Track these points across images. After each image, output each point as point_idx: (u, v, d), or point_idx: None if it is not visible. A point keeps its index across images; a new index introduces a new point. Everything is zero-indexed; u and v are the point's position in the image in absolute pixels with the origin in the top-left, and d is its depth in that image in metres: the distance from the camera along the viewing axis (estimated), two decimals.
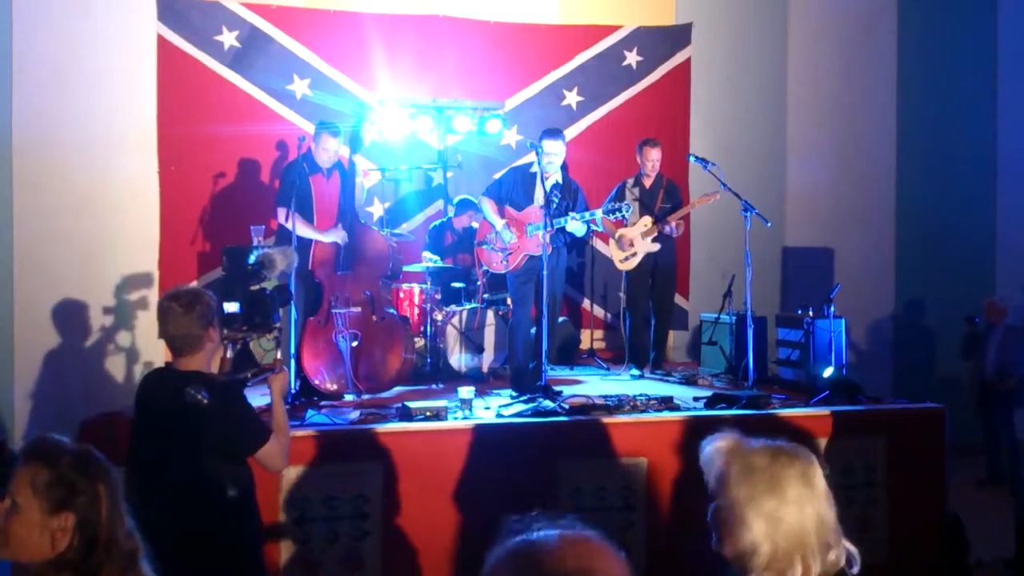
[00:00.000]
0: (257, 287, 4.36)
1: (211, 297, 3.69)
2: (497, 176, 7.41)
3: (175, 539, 3.35)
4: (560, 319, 7.78)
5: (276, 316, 4.50)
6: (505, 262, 6.82)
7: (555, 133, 6.78)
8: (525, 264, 6.74)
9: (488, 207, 6.93)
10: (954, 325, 9.06)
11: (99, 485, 2.27)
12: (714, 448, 2.30)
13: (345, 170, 6.84)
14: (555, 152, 6.66)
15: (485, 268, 7.24)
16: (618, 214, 6.73)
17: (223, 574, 3.57)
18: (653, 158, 7.66)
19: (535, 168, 6.73)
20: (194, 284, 7.84)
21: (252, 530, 3.81)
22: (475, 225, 7.80)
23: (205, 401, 3.40)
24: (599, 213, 6.70)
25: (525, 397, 6.07)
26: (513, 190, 6.89)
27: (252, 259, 4.51)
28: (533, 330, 6.79)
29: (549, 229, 6.39)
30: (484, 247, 7.00)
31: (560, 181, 6.79)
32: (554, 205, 6.55)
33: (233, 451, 3.59)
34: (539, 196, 6.61)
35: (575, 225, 6.62)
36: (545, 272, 6.24)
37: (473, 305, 7.63)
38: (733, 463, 2.23)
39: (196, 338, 3.56)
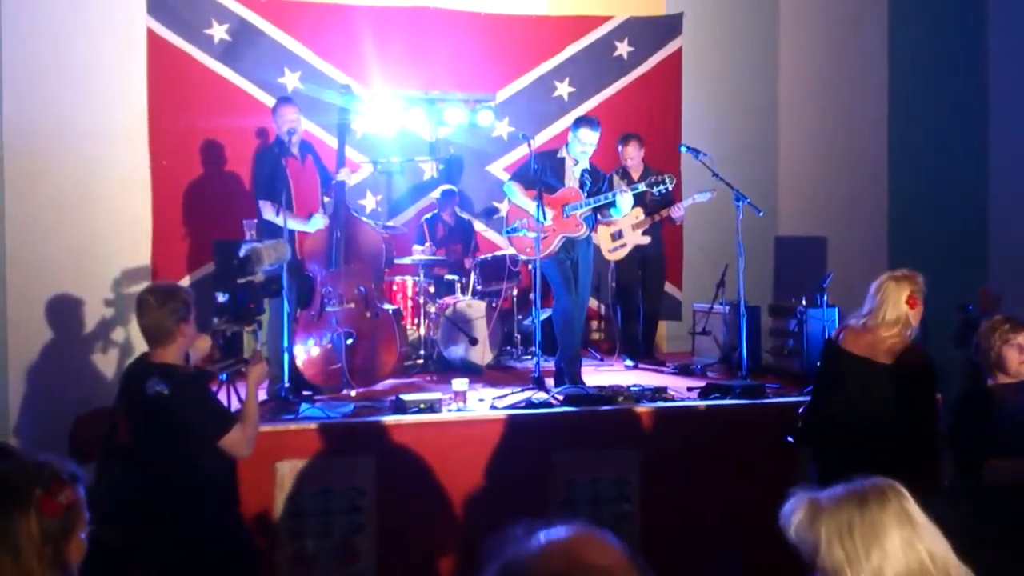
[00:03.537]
0: (244, 281, 4.43)
1: (188, 294, 3.86)
2: (516, 165, 7.30)
3: (148, 521, 3.72)
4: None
5: (261, 307, 4.63)
6: (540, 246, 6.44)
7: (594, 124, 6.59)
8: (561, 246, 6.52)
9: (518, 191, 6.59)
10: (947, 313, 9.04)
11: None
12: (796, 518, 2.08)
13: (317, 152, 6.79)
14: (591, 142, 6.55)
15: (481, 259, 7.08)
16: (661, 187, 6.59)
17: (196, 557, 3.70)
18: (631, 155, 7.76)
19: (563, 153, 6.65)
20: (187, 278, 7.87)
21: (227, 516, 3.95)
22: (463, 215, 7.74)
23: (166, 393, 3.59)
24: (642, 187, 6.62)
25: (519, 389, 6.08)
26: (544, 174, 6.60)
27: (241, 254, 4.56)
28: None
29: (587, 208, 6.42)
30: (517, 234, 6.64)
31: (587, 168, 6.68)
32: (588, 188, 6.55)
33: (195, 439, 3.72)
34: (570, 179, 6.58)
35: (625, 200, 6.52)
36: (579, 254, 6.32)
37: (467, 297, 7.62)
38: (822, 527, 2.04)
39: (168, 331, 3.72)
